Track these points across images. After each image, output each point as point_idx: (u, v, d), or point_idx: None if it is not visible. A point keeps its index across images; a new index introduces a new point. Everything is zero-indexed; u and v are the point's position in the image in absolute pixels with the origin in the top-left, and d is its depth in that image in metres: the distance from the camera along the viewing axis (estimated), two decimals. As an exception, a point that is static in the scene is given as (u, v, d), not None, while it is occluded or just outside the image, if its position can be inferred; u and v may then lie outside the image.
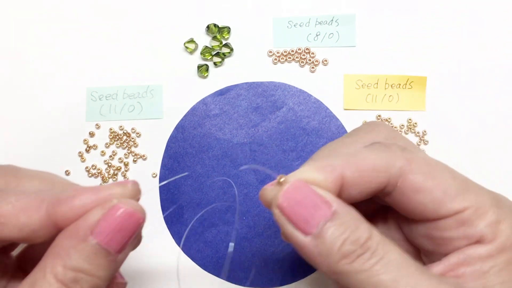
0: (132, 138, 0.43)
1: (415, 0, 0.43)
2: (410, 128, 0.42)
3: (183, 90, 0.43)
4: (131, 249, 0.24)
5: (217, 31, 0.43)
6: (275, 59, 0.43)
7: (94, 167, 0.42)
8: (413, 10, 0.43)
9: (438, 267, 0.24)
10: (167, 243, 0.41)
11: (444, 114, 0.42)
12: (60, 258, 0.22)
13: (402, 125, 0.42)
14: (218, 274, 0.41)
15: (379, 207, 0.29)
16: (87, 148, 0.42)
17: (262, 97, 0.43)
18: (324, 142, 0.42)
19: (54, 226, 0.23)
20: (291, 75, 0.43)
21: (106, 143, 0.43)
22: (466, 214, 0.23)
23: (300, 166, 0.25)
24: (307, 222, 0.23)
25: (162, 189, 0.42)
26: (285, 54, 0.43)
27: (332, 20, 0.43)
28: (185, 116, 0.43)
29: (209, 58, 0.43)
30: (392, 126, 0.42)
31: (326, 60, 0.43)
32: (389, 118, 0.42)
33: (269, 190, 0.24)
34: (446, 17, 0.43)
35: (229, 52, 0.43)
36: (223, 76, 0.43)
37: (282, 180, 0.24)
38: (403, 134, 0.42)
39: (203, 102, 0.43)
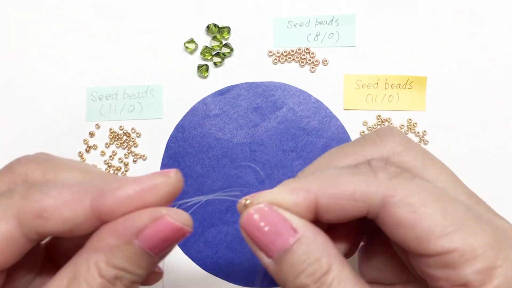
0: (132, 138, 0.43)
1: (415, 0, 0.43)
2: (410, 128, 0.42)
3: (183, 90, 0.43)
4: (171, 251, 0.24)
5: (217, 31, 0.43)
6: (275, 59, 0.43)
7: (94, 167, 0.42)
8: (413, 10, 0.43)
9: None
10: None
11: (444, 114, 0.42)
12: (104, 255, 0.22)
13: (402, 125, 0.42)
14: (217, 274, 0.41)
15: None
16: (87, 148, 0.42)
17: (262, 97, 0.43)
18: (324, 142, 0.42)
19: (98, 219, 0.22)
20: (291, 75, 0.43)
21: (106, 143, 0.43)
22: (451, 257, 0.21)
23: (278, 185, 0.24)
24: (268, 248, 0.22)
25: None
26: (285, 54, 0.43)
27: (332, 20, 0.43)
28: (185, 116, 0.43)
29: (209, 58, 0.43)
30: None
31: (326, 60, 0.43)
32: (389, 118, 0.42)
33: (241, 206, 0.24)
34: (446, 17, 0.43)
35: (229, 52, 0.43)
36: (223, 76, 0.43)
37: (247, 202, 0.23)
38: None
39: (203, 102, 0.43)
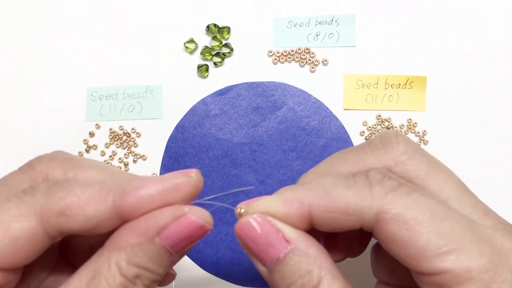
0: (132, 138, 0.43)
1: (415, 0, 0.43)
2: (410, 128, 0.42)
3: (183, 90, 0.43)
4: (189, 249, 0.24)
5: (217, 31, 0.43)
6: (275, 59, 0.43)
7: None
8: (413, 10, 0.43)
9: None
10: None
11: (444, 114, 0.42)
12: (125, 253, 0.22)
13: (402, 125, 0.42)
14: (217, 274, 0.41)
15: None
16: (87, 148, 0.42)
17: (262, 97, 0.43)
18: (324, 142, 0.42)
19: (119, 218, 0.22)
20: (291, 75, 0.43)
21: (106, 143, 0.43)
22: (444, 278, 0.20)
23: (274, 193, 0.24)
24: (261, 257, 0.23)
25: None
26: (285, 54, 0.43)
27: (332, 20, 0.43)
28: (185, 116, 0.43)
29: (209, 58, 0.43)
30: (397, 130, 0.42)
31: (326, 60, 0.43)
32: (389, 118, 0.42)
33: (237, 213, 0.24)
34: (446, 17, 0.43)
35: (229, 52, 0.43)
36: (223, 76, 0.43)
37: (242, 211, 0.23)
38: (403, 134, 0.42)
39: (203, 102, 0.43)
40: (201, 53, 0.43)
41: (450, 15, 0.43)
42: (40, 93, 0.43)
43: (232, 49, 0.43)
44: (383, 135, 0.26)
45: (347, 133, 0.42)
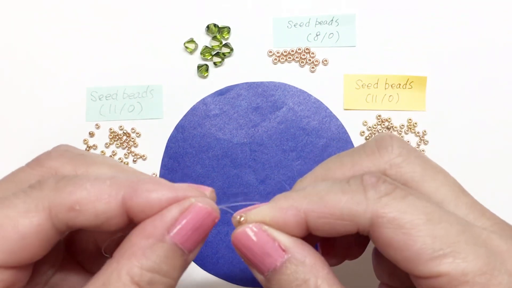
0: (132, 138, 0.43)
1: (415, 0, 0.43)
2: (410, 128, 0.42)
3: (183, 90, 0.43)
4: (200, 248, 0.24)
5: (217, 31, 0.43)
6: (275, 59, 0.43)
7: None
8: (413, 10, 0.43)
9: None
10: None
11: (444, 114, 0.42)
12: (137, 259, 0.21)
13: (402, 125, 0.42)
14: (217, 274, 0.41)
15: None
16: (87, 148, 0.42)
17: (262, 97, 0.43)
18: (324, 142, 0.42)
19: (127, 217, 0.22)
20: (291, 75, 0.43)
21: (106, 143, 0.43)
22: (439, 281, 0.20)
23: (270, 201, 0.24)
24: (258, 267, 0.23)
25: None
26: (285, 54, 0.43)
27: (332, 20, 0.43)
28: (185, 116, 0.43)
29: (209, 58, 0.43)
30: (393, 130, 0.42)
31: (326, 60, 0.43)
32: (389, 118, 0.42)
33: (235, 221, 0.24)
34: (446, 17, 0.43)
35: (229, 52, 0.43)
36: (223, 76, 0.43)
37: (242, 219, 0.24)
38: (403, 134, 0.42)
39: (203, 102, 0.43)
40: (201, 53, 0.43)
41: (450, 15, 0.43)
42: (40, 93, 0.43)
43: (232, 49, 0.43)
44: (378, 138, 0.26)
45: (347, 133, 0.42)
